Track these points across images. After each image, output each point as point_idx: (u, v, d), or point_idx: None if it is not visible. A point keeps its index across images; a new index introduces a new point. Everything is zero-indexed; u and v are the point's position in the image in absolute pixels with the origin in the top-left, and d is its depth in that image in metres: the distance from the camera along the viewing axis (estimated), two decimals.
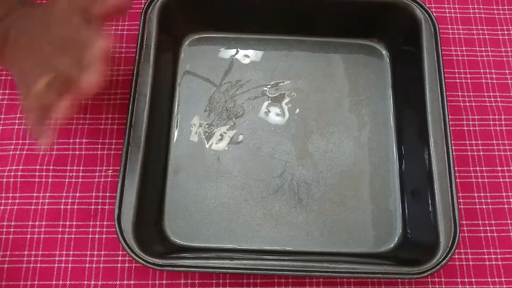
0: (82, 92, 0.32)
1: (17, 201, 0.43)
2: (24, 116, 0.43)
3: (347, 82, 0.47)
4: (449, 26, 0.51)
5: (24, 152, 0.44)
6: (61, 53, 0.33)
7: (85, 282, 0.41)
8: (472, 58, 0.49)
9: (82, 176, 0.44)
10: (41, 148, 0.42)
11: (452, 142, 0.40)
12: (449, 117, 0.40)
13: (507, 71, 0.49)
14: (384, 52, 0.48)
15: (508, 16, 0.51)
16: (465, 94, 0.48)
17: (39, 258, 0.41)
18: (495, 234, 0.43)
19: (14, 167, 0.44)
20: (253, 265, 0.36)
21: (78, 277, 0.41)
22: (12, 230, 0.42)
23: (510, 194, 0.44)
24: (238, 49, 0.48)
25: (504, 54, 0.50)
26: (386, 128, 0.46)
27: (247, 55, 0.48)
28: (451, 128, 0.41)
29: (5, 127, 0.45)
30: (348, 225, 0.42)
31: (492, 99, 0.48)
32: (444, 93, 0.41)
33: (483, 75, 0.49)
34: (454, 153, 0.44)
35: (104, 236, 0.42)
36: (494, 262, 0.42)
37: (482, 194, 0.44)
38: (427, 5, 0.45)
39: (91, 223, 0.42)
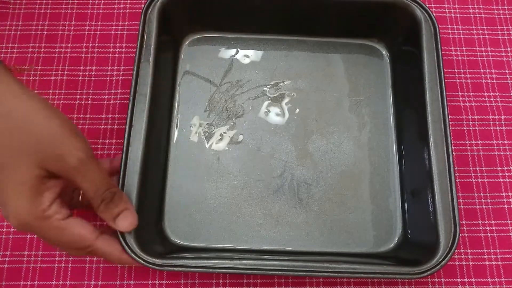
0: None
1: None
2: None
3: (347, 82, 0.47)
4: (449, 26, 0.51)
5: None
6: None
7: (85, 282, 0.41)
8: (472, 58, 0.49)
9: None
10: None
11: (452, 142, 0.40)
12: (449, 117, 0.40)
13: (507, 71, 0.49)
14: (384, 52, 0.48)
15: (508, 16, 0.51)
16: (465, 94, 0.48)
17: (39, 258, 0.41)
18: (495, 234, 0.43)
19: None
20: (253, 265, 0.36)
21: (78, 277, 0.41)
22: (12, 230, 0.42)
23: (510, 194, 0.44)
24: (238, 49, 0.48)
25: (504, 54, 0.50)
26: (386, 128, 0.46)
27: (247, 55, 0.48)
28: (451, 128, 0.41)
29: None
30: (348, 225, 0.42)
31: (492, 99, 0.48)
32: (444, 93, 0.41)
33: (483, 75, 0.49)
34: (454, 153, 0.44)
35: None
36: (494, 262, 0.42)
37: (482, 194, 0.44)
38: (427, 5, 0.45)
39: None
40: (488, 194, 0.44)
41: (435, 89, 0.41)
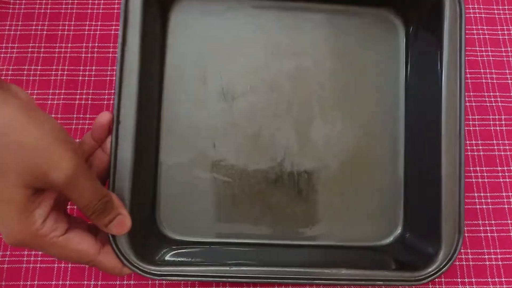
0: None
1: None
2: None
3: (356, 61, 0.43)
4: None
5: None
6: None
7: (85, 282, 0.41)
8: (472, 58, 0.49)
9: None
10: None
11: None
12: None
13: (507, 71, 0.49)
14: (400, 28, 0.43)
15: (508, 16, 0.51)
16: (465, 94, 0.48)
17: (39, 258, 0.41)
18: (495, 234, 0.43)
19: None
20: (252, 273, 0.35)
21: (78, 277, 0.41)
22: None
23: (510, 194, 0.44)
24: (234, 18, 0.43)
25: (504, 54, 0.50)
26: (395, 113, 0.42)
27: (244, 25, 0.43)
28: None
29: None
30: (349, 218, 0.41)
31: (492, 99, 0.48)
32: (463, 90, 0.37)
33: (483, 75, 0.49)
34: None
35: None
36: (494, 262, 0.42)
37: (482, 194, 0.44)
38: None
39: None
40: (488, 194, 0.44)
41: (453, 85, 0.37)
